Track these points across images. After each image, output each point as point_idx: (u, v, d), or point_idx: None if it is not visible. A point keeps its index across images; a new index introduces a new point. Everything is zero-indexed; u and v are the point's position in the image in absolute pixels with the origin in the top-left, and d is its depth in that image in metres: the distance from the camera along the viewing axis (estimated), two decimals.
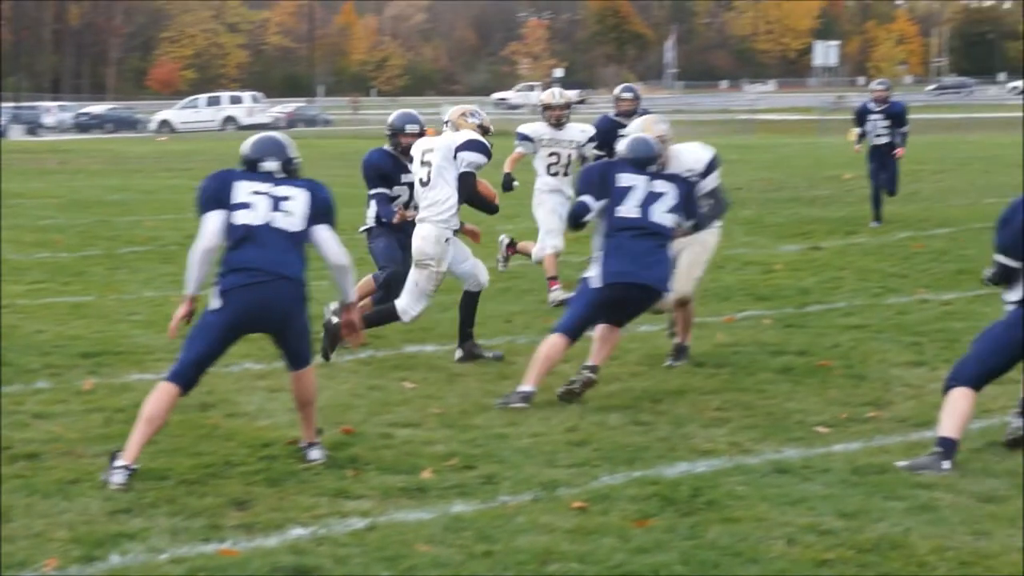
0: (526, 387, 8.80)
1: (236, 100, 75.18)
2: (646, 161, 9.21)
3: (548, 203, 13.38)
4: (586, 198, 9.17)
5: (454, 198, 10.04)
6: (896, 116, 18.92)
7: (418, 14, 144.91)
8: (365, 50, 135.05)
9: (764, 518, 6.48)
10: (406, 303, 10.14)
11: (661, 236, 9.06)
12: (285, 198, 7.38)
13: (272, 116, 73.20)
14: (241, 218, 7.27)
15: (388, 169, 10.91)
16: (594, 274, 8.99)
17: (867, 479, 7.08)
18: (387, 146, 11.01)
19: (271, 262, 7.22)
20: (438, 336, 11.16)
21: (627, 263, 8.92)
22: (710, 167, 9.79)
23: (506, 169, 13.23)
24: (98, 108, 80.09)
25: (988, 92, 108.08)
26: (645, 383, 9.37)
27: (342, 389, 9.27)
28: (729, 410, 8.63)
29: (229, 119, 71.55)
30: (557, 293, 12.80)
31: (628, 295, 8.98)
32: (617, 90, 14.09)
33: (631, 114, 13.18)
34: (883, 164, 19.03)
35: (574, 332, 8.98)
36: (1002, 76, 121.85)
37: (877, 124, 18.84)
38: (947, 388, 7.50)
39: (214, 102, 74.75)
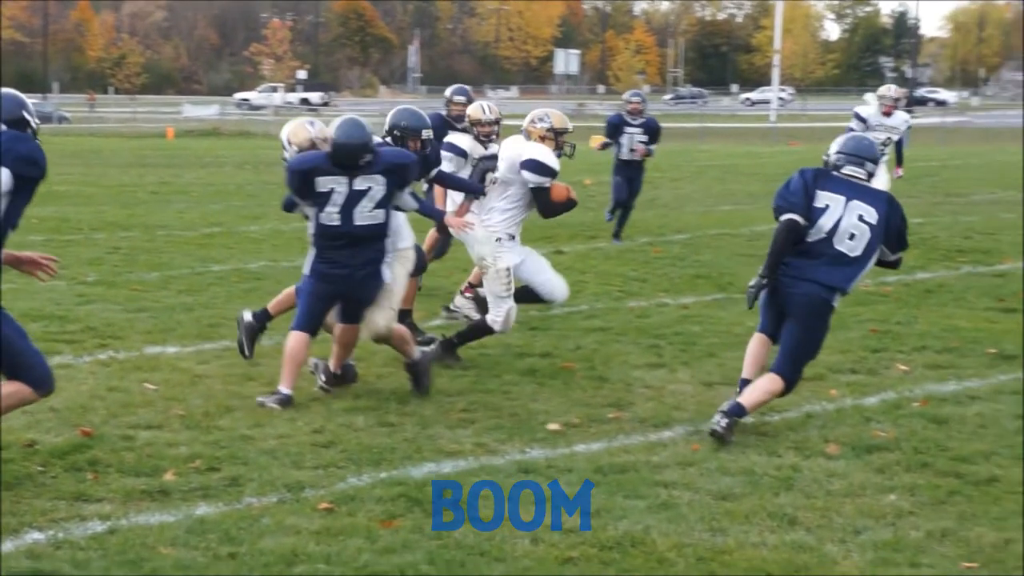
0: (284, 389, 8.77)
1: None
2: (352, 155, 8.73)
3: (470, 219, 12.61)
4: (293, 196, 8.99)
5: (514, 209, 9.98)
6: (653, 132, 18.60)
7: (157, 12, 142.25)
8: (102, 47, 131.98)
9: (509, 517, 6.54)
10: (491, 313, 10.01)
11: (367, 239, 8.85)
12: None
13: None
14: None
15: None
16: (307, 268, 8.98)
17: (609, 478, 7.21)
18: (388, 140, 9.99)
19: None
20: (179, 337, 11.00)
21: (332, 264, 8.85)
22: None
23: (438, 204, 12.05)
24: None
25: (722, 103, 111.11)
26: (392, 384, 9.37)
27: (81, 390, 9.05)
28: (474, 411, 8.69)
29: None
30: (467, 303, 11.92)
31: (340, 290, 8.94)
32: (448, 92, 13.37)
33: (462, 119, 12.68)
34: (629, 179, 18.62)
35: (310, 327, 8.95)
36: (735, 87, 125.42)
37: (634, 138, 18.45)
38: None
39: None
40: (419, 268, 10.67)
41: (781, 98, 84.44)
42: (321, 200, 8.75)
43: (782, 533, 6.39)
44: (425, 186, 11.57)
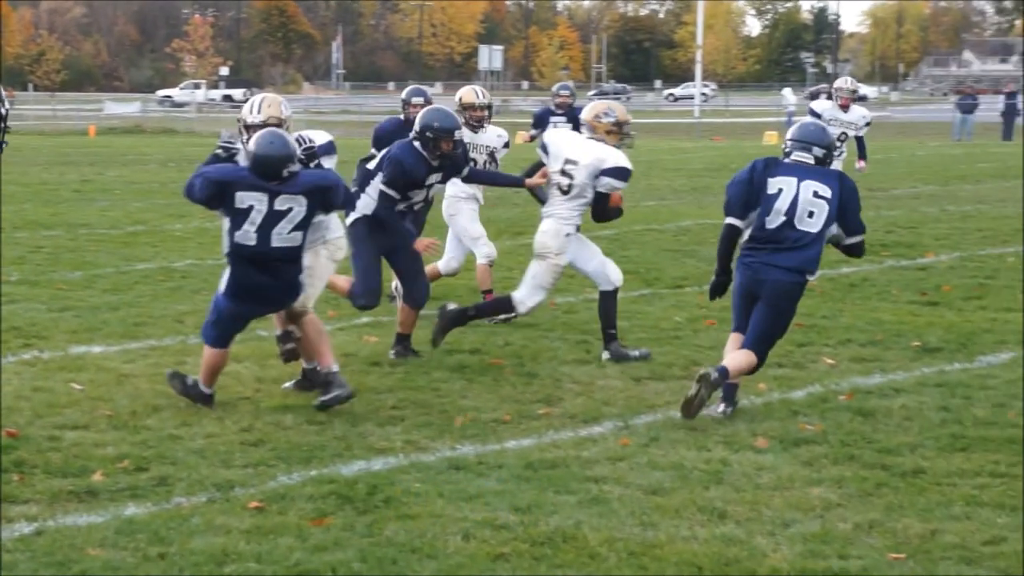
0: (204, 389, 8.68)
1: None
2: (274, 167, 8.30)
3: (466, 211, 12.31)
4: (203, 200, 8.43)
5: (583, 206, 10.01)
6: (579, 122, 18.41)
7: (76, 8, 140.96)
8: (20, 43, 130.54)
9: (440, 514, 6.54)
10: (523, 294, 10.13)
11: (283, 260, 8.41)
12: None
13: None
14: None
15: (422, 174, 9.95)
16: (223, 287, 8.58)
17: (540, 474, 7.22)
18: (417, 144, 9.96)
19: None
20: (105, 337, 10.90)
21: (246, 288, 8.47)
22: (322, 151, 9.17)
23: None
24: None
25: (645, 98, 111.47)
26: None
27: (6, 391, 8.93)
28: (404, 408, 8.69)
29: None
30: None
31: (255, 311, 8.73)
32: (405, 94, 12.85)
33: None
34: None
35: (225, 343, 8.69)
36: (658, 83, 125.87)
37: (558, 127, 18.42)
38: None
39: None
40: (421, 300, 10.35)
41: (704, 94, 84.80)
42: (239, 217, 8.29)
43: (712, 527, 6.42)
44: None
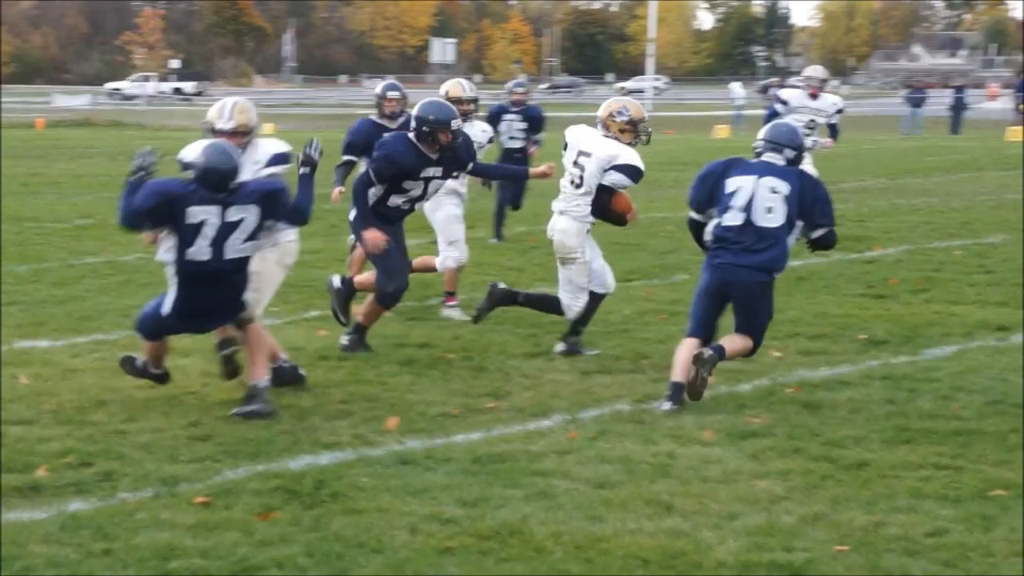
0: (154, 370, 8.73)
1: None
2: (222, 181, 8.15)
3: (446, 206, 12.04)
4: (144, 220, 8.21)
5: (591, 200, 9.95)
6: (533, 120, 17.94)
7: (25, 0, 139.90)
8: None
9: (387, 509, 6.54)
10: (568, 299, 10.10)
11: (233, 272, 8.27)
12: None
13: None
14: None
15: (413, 164, 9.84)
16: (168, 305, 8.32)
17: (487, 468, 7.23)
18: (411, 135, 9.87)
19: None
20: (51, 331, 10.84)
21: (194, 309, 8.28)
22: (274, 161, 8.96)
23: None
24: None
25: (597, 92, 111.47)
26: None
27: None
28: (352, 402, 8.67)
29: None
30: (453, 311, 11.89)
31: (197, 328, 8.61)
32: (380, 89, 12.45)
33: (399, 115, 12.01)
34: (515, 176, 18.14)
35: (160, 338, 8.56)
36: (610, 76, 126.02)
37: (513, 126, 17.80)
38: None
39: None
40: (392, 299, 10.21)
41: (656, 87, 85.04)
42: (189, 233, 8.08)
43: (658, 520, 6.45)
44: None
